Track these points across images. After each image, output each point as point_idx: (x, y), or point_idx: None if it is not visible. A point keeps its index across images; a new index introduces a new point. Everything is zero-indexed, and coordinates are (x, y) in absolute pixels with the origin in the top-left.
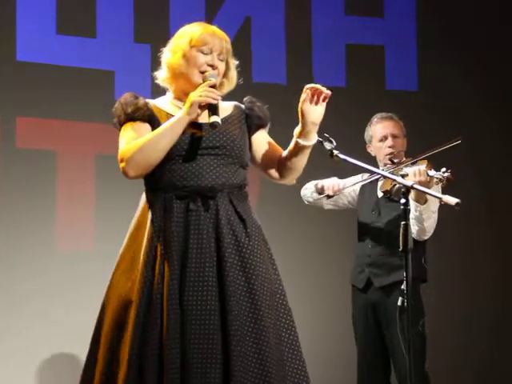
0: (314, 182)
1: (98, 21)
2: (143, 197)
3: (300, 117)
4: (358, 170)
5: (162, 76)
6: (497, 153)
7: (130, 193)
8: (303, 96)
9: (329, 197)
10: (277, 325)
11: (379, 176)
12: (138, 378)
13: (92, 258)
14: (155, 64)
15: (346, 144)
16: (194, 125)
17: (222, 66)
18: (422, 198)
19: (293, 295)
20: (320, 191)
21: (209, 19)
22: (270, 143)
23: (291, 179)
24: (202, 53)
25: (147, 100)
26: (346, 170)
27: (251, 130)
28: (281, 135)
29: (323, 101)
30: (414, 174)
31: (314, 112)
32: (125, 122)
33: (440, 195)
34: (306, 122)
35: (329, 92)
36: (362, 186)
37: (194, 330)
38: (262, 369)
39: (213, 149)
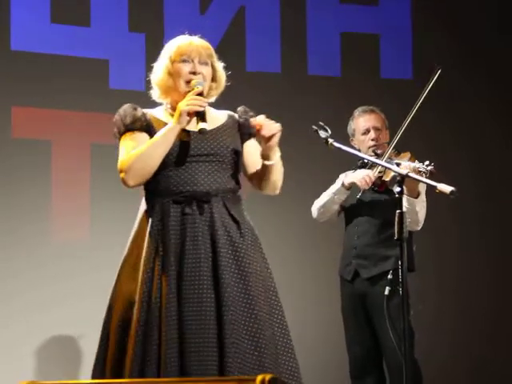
0: (335, 186)
1: (93, 10)
2: (143, 202)
3: (263, 142)
4: (353, 159)
5: (155, 95)
6: (494, 141)
7: None
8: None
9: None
10: (270, 319)
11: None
12: (141, 371)
13: (87, 248)
14: (149, 53)
15: (341, 132)
16: (187, 133)
17: (206, 71)
18: (414, 192)
19: (284, 287)
20: (349, 188)
21: (203, 8)
22: (257, 154)
23: (269, 191)
24: (183, 62)
25: (145, 111)
26: (341, 159)
27: (243, 139)
28: None
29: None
30: None
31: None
32: (124, 133)
33: (435, 183)
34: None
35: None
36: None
37: (190, 326)
38: (258, 357)
39: (207, 156)
